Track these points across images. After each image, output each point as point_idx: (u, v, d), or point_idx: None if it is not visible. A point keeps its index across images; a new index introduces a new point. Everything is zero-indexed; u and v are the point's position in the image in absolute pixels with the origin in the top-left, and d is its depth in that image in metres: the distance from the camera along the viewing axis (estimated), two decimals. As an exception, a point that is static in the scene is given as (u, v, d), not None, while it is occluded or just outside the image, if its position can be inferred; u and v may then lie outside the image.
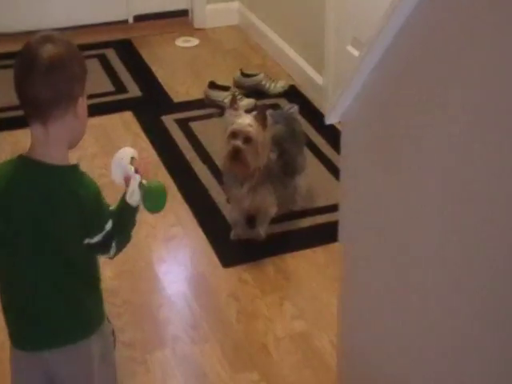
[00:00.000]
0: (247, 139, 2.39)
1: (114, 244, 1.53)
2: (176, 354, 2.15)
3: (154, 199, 1.54)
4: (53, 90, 1.41)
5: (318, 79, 3.39)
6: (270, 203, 2.54)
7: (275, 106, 3.35)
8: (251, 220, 2.60)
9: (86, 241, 1.50)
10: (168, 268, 2.50)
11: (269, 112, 2.61)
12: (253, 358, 2.13)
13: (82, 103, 1.47)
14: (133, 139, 3.12)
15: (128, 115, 3.27)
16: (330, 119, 1.62)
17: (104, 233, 1.50)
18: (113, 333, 1.70)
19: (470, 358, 1.35)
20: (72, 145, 1.49)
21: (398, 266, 1.54)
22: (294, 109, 2.80)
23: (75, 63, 1.45)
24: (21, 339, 1.56)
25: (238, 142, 2.38)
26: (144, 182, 1.54)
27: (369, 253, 1.64)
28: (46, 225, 1.47)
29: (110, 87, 3.45)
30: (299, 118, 2.80)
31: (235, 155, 2.39)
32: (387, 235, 1.56)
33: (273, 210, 2.56)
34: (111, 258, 1.57)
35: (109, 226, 1.51)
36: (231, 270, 2.46)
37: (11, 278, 1.53)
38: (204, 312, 2.30)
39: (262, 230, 2.56)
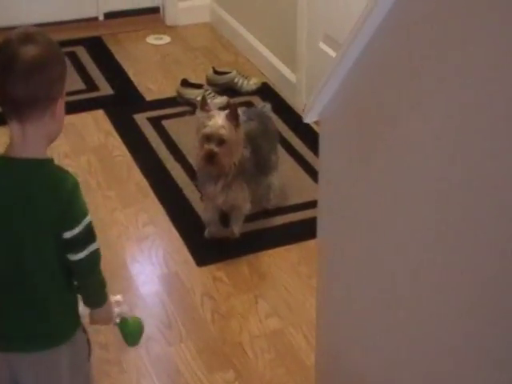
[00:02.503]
0: (220, 141, 2.38)
1: (87, 249, 1.49)
2: (150, 354, 2.14)
3: (132, 338, 1.67)
4: (31, 91, 1.40)
5: (291, 76, 3.40)
6: (243, 200, 2.53)
7: (248, 104, 3.35)
8: (225, 218, 2.59)
9: (62, 235, 1.46)
10: (141, 268, 2.48)
11: (242, 109, 2.61)
12: (228, 357, 2.13)
13: (61, 104, 1.47)
14: (104, 138, 3.10)
15: (99, 113, 3.24)
16: (308, 118, 1.62)
17: (81, 228, 1.46)
18: (88, 343, 1.65)
19: (451, 357, 1.36)
20: (50, 143, 1.48)
21: (376, 261, 1.55)
22: (267, 107, 2.79)
23: (55, 65, 1.44)
24: None
25: (212, 146, 2.38)
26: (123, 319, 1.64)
27: (346, 248, 1.64)
28: (19, 220, 1.45)
29: (80, 85, 3.42)
30: (272, 116, 2.80)
31: (210, 158, 2.38)
32: (365, 231, 1.57)
33: (247, 207, 2.56)
34: (77, 267, 1.50)
35: (86, 221, 1.47)
36: (205, 269, 2.45)
37: None
38: (178, 311, 2.29)
39: (236, 229, 2.56)
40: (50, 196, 1.45)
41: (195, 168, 2.60)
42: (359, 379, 1.66)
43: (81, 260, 1.48)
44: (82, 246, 1.48)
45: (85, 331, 1.62)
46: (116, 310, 1.63)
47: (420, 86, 1.34)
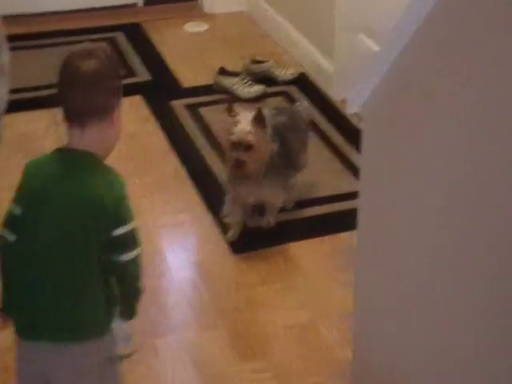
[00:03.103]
0: (248, 147, 2.36)
1: (132, 252, 1.54)
2: (184, 340, 2.17)
3: None
4: (90, 102, 1.53)
5: (328, 67, 3.39)
6: (275, 196, 2.52)
7: (284, 94, 3.35)
8: (260, 209, 2.60)
9: (110, 233, 1.51)
10: (176, 254, 2.51)
11: (273, 107, 2.61)
12: (259, 347, 2.14)
13: (118, 114, 1.58)
14: (142, 123, 3.13)
15: (137, 99, 3.27)
16: (350, 109, 1.63)
17: (128, 228, 1.52)
18: (119, 355, 1.66)
19: (489, 345, 1.36)
20: (106, 152, 1.58)
21: (416, 253, 1.55)
22: (302, 106, 2.77)
23: (112, 78, 1.56)
24: (22, 329, 1.58)
25: (240, 153, 2.36)
26: None
27: (386, 240, 1.64)
28: (68, 214, 1.51)
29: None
30: (306, 114, 2.73)
31: (239, 166, 2.37)
32: (406, 224, 1.57)
33: (279, 200, 2.55)
34: (121, 267, 1.54)
35: (132, 224, 1.54)
36: (239, 257, 2.47)
37: (22, 265, 1.54)
38: (211, 298, 2.31)
39: (272, 218, 2.56)
40: (104, 189, 1.52)
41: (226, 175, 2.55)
42: (397, 372, 1.67)
43: (124, 262, 1.54)
44: (127, 248, 1.54)
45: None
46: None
47: (464, 78, 1.33)
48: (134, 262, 1.56)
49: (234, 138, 2.36)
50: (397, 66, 1.50)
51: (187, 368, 2.09)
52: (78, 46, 1.59)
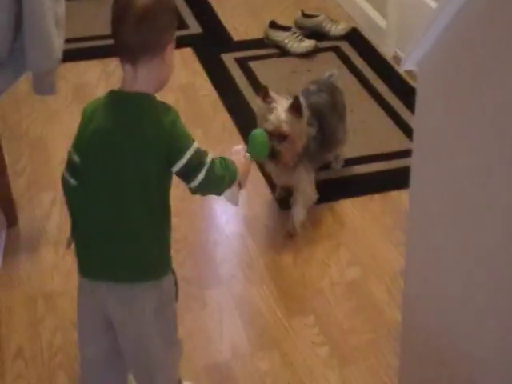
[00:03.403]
0: (282, 137, 2.25)
1: (198, 177, 1.54)
2: (232, 292, 2.19)
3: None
4: (142, 38, 1.50)
5: (381, 22, 3.32)
6: (307, 182, 2.39)
7: (336, 49, 3.30)
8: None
9: (170, 167, 1.52)
10: (225, 208, 2.51)
11: (311, 81, 2.52)
12: (308, 302, 2.16)
13: (170, 50, 1.55)
14: (192, 76, 3.12)
15: (188, 51, 3.25)
16: (405, 66, 1.59)
17: (185, 159, 1.52)
18: (176, 284, 1.69)
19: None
20: (158, 88, 1.56)
21: (469, 215, 1.53)
22: (335, 76, 2.62)
23: (166, 14, 1.53)
24: (84, 266, 1.61)
25: (274, 143, 2.22)
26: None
27: (440, 201, 1.62)
28: (123, 151, 1.51)
29: (170, 23, 3.43)
30: (340, 84, 2.61)
31: (273, 156, 2.24)
32: (460, 184, 1.54)
33: (310, 193, 2.40)
34: (194, 192, 1.57)
35: (190, 151, 1.52)
36: (288, 213, 2.46)
37: (85, 206, 1.56)
38: (261, 253, 2.32)
39: (297, 222, 2.37)
40: (154, 128, 1.51)
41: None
42: (447, 333, 1.66)
43: (197, 186, 1.56)
44: (192, 175, 1.54)
45: (173, 272, 1.66)
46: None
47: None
48: (208, 179, 1.56)
49: (268, 126, 2.23)
50: (456, 22, 1.45)
51: (235, 320, 2.11)
52: None
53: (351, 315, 2.12)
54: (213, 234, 2.42)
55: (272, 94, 2.31)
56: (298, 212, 2.38)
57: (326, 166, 2.62)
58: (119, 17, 1.51)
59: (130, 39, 1.49)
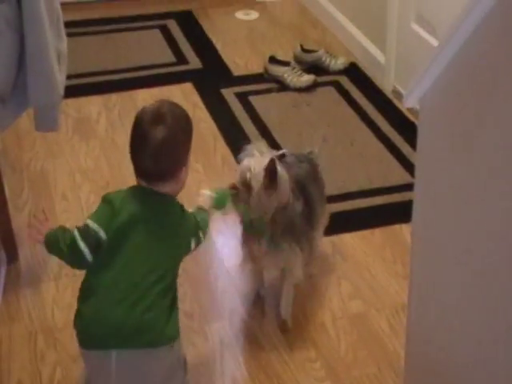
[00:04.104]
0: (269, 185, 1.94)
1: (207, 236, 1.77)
2: (234, 327, 2.18)
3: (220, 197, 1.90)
4: (159, 167, 1.60)
5: (380, 57, 3.35)
6: (295, 263, 2.09)
7: (335, 84, 3.33)
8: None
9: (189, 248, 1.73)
10: (226, 241, 2.52)
11: (290, 154, 2.16)
12: (310, 336, 2.14)
13: (185, 171, 1.66)
14: (192, 110, 3.14)
15: (188, 86, 3.28)
16: (408, 103, 1.60)
17: (200, 237, 1.76)
18: (185, 361, 1.73)
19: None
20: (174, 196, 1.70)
21: (472, 248, 1.53)
22: (314, 154, 2.31)
23: (181, 143, 1.63)
24: (89, 339, 1.62)
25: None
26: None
27: (442, 235, 1.62)
28: (151, 249, 1.61)
29: (171, 58, 3.47)
30: (320, 163, 2.31)
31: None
32: (462, 218, 1.55)
33: (298, 274, 2.11)
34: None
35: (201, 232, 1.74)
36: (289, 247, 2.47)
37: (101, 283, 1.60)
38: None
39: (287, 314, 2.14)
40: (181, 219, 1.67)
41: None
42: (450, 366, 1.65)
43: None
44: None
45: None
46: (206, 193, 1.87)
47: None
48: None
49: (243, 176, 1.96)
50: (457, 60, 1.47)
51: (236, 354, 2.10)
52: (149, 108, 1.62)
53: (353, 349, 2.10)
54: (213, 267, 2.42)
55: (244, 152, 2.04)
56: (287, 304, 2.15)
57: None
58: (137, 146, 1.60)
59: (146, 168, 1.60)
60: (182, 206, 1.69)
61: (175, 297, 1.67)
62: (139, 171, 1.62)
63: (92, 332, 1.60)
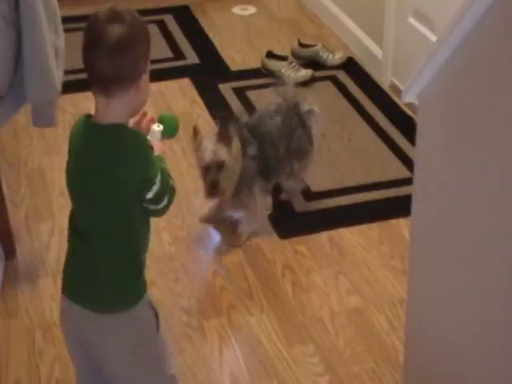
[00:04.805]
0: (220, 166, 2.32)
1: (167, 197, 1.54)
2: (232, 322, 2.18)
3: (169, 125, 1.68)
4: (116, 69, 1.45)
5: (377, 51, 3.35)
6: (255, 204, 2.46)
7: (332, 78, 3.32)
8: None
9: (142, 196, 1.50)
10: (223, 237, 2.52)
11: (276, 103, 2.56)
12: (308, 332, 2.15)
13: (145, 78, 1.50)
14: (190, 105, 3.13)
15: (186, 82, 3.27)
16: (406, 98, 1.60)
17: (158, 185, 1.51)
18: (156, 318, 1.62)
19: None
20: (132, 115, 1.53)
21: (470, 245, 1.53)
22: (314, 114, 2.61)
23: (139, 44, 1.48)
24: (64, 285, 1.60)
25: (213, 175, 2.33)
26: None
27: (440, 231, 1.63)
28: (95, 180, 1.50)
29: (168, 53, 3.46)
30: (317, 121, 2.61)
31: (213, 187, 2.34)
32: (461, 214, 1.55)
33: (260, 214, 2.49)
34: (160, 215, 1.57)
35: (159, 177, 1.51)
36: (287, 242, 2.47)
37: (74, 230, 1.57)
38: (260, 282, 2.32)
39: (243, 234, 2.47)
40: (126, 158, 1.48)
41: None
42: (450, 361, 1.65)
43: (163, 206, 1.54)
44: (162, 198, 1.53)
45: (153, 308, 1.60)
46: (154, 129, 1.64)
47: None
48: (171, 198, 1.56)
49: (203, 162, 2.33)
50: (456, 55, 1.47)
51: (234, 351, 2.10)
52: (104, 8, 1.48)
53: (351, 344, 2.11)
54: (212, 263, 2.42)
55: (201, 131, 2.36)
56: (245, 228, 2.47)
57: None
58: (92, 46, 1.45)
59: (103, 70, 1.44)
60: (132, 142, 1.50)
61: (125, 262, 1.55)
62: (95, 79, 1.46)
63: (64, 276, 1.60)
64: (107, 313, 1.54)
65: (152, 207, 1.53)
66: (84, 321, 1.56)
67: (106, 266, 1.54)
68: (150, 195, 1.50)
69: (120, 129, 1.49)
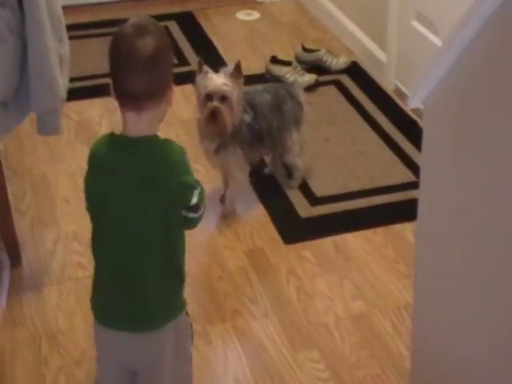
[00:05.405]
0: (223, 98, 2.40)
1: (203, 206, 1.52)
2: (236, 328, 2.18)
3: None
4: (152, 84, 1.42)
5: (381, 55, 3.35)
6: (237, 166, 2.53)
7: (336, 83, 3.32)
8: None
9: (183, 209, 1.49)
10: (228, 242, 2.52)
11: (265, 84, 2.71)
12: (312, 337, 2.14)
13: (172, 90, 1.49)
14: (193, 111, 3.13)
15: (189, 88, 3.27)
16: (412, 104, 1.60)
17: (197, 192, 1.49)
18: (191, 326, 1.69)
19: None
20: (158, 126, 1.51)
21: (476, 250, 1.53)
22: (296, 85, 2.79)
23: (169, 54, 1.47)
24: (103, 316, 1.57)
25: (216, 103, 2.39)
26: None
27: (446, 236, 1.62)
28: (138, 196, 1.47)
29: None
30: (300, 96, 2.68)
31: (214, 115, 2.39)
32: (467, 220, 1.54)
33: (241, 178, 2.56)
34: (195, 225, 1.56)
35: (197, 183, 1.50)
36: (291, 247, 2.47)
37: (106, 253, 1.53)
38: (264, 287, 2.32)
39: (229, 205, 2.57)
40: (166, 166, 1.47)
41: (197, 129, 2.54)
42: (456, 368, 1.65)
43: (200, 215, 1.54)
44: (201, 204, 1.52)
45: (187, 314, 1.66)
46: None
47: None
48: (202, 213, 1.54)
49: (209, 88, 2.39)
50: (462, 60, 1.47)
51: (239, 356, 2.10)
52: (129, 22, 1.44)
53: (356, 349, 2.10)
54: (216, 269, 2.42)
55: (206, 67, 2.45)
56: (229, 200, 2.57)
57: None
58: (125, 63, 1.41)
59: (140, 86, 1.41)
60: (167, 151, 1.48)
61: (177, 270, 1.57)
62: (127, 95, 1.43)
63: (102, 309, 1.57)
64: (157, 329, 1.54)
65: (191, 215, 1.51)
66: (133, 345, 1.55)
67: (152, 283, 1.51)
68: (194, 200, 1.48)
69: (154, 140, 1.48)
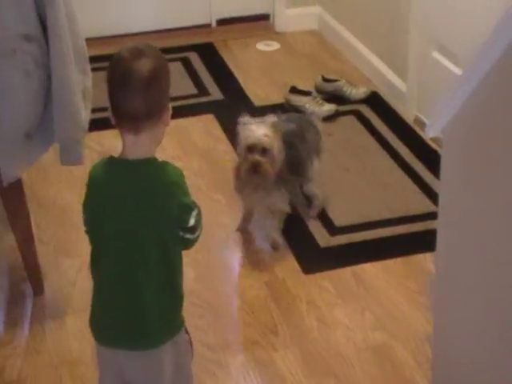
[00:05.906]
0: (264, 151, 2.39)
1: (199, 227, 1.56)
2: (255, 358, 2.18)
3: None
4: (148, 104, 1.46)
5: (401, 85, 3.36)
6: (282, 203, 2.54)
7: (356, 113, 3.34)
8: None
9: (180, 230, 1.53)
10: (248, 272, 2.52)
11: (285, 114, 2.69)
12: (332, 368, 2.13)
13: (169, 110, 1.53)
14: (214, 142, 3.17)
15: (210, 118, 3.31)
16: (431, 133, 1.61)
17: (195, 213, 1.53)
18: (190, 343, 1.70)
19: None
20: (157, 145, 1.56)
21: (496, 279, 1.52)
22: (314, 115, 2.90)
23: (165, 76, 1.51)
24: (102, 335, 1.61)
25: (257, 156, 2.39)
26: None
27: (466, 266, 1.62)
28: (134, 216, 1.51)
29: (192, 90, 3.51)
30: (318, 125, 2.74)
31: (255, 168, 2.40)
32: (485, 249, 1.54)
33: (287, 206, 2.55)
34: (192, 246, 1.59)
35: (197, 208, 1.54)
36: (311, 277, 2.47)
37: (105, 274, 1.57)
38: (284, 318, 2.31)
39: (278, 237, 2.56)
40: (165, 187, 1.51)
41: (234, 178, 2.56)
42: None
43: (197, 236, 1.57)
44: (198, 226, 1.56)
45: (187, 332, 1.67)
46: None
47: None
48: (199, 235, 1.58)
49: (250, 140, 2.39)
50: (481, 89, 1.48)
51: (259, 387, 2.10)
52: (126, 46, 1.50)
53: (376, 381, 2.09)
54: (235, 298, 2.42)
55: (247, 117, 2.48)
56: (276, 226, 2.54)
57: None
58: (121, 85, 1.44)
59: (136, 107, 1.44)
60: (164, 173, 1.52)
61: (175, 290, 1.59)
62: (125, 116, 1.46)
63: (101, 328, 1.60)
64: (156, 347, 1.56)
65: (188, 236, 1.54)
66: (131, 362, 1.58)
67: (150, 302, 1.54)
68: (191, 222, 1.52)
69: (153, 162, 1.52)
